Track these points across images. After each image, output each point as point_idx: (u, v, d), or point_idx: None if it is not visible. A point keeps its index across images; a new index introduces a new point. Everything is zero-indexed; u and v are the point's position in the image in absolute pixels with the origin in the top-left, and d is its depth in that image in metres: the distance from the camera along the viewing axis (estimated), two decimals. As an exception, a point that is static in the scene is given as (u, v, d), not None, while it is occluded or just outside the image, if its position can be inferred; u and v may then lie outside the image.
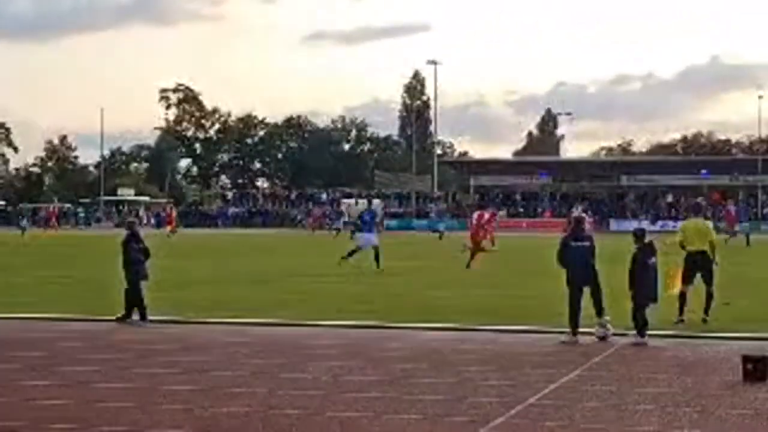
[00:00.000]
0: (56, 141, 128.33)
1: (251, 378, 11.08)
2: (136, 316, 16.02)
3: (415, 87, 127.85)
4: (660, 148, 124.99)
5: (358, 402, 9.73)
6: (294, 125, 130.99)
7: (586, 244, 14.49)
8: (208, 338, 14.51)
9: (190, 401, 9.74)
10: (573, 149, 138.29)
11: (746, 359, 10.95)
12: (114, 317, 16.14)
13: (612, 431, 8.59)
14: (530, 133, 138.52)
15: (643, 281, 13.81)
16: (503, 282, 23.99)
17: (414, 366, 11.88)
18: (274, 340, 14.43)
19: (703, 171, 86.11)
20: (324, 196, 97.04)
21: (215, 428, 8.67)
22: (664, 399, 9.95)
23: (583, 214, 15.81)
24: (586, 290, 14.24)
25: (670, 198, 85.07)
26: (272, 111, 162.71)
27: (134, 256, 16.23)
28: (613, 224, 75.47)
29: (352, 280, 24.06)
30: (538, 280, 23.57)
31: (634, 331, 13.73)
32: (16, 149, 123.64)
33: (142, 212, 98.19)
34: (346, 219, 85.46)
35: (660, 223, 73.49)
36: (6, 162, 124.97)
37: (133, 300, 16.01)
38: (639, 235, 14.37)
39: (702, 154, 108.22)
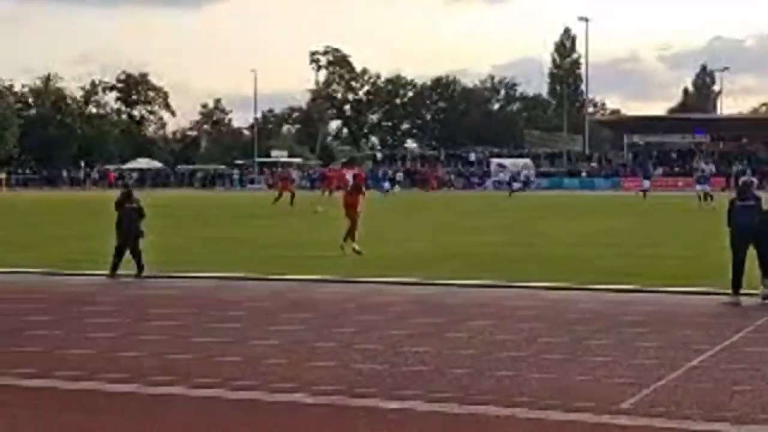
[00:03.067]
0: (210, 104, 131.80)
1: (420, 337, 11.09)
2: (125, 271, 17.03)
3: (564, 44, 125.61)
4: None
5: (516, 361, 9.69)
6: (442, 85, 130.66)
7: (752, 203, 14.03)
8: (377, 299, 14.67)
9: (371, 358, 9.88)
10: (731, 106, 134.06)
11: None
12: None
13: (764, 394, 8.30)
14: (685, 90, 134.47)
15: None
16: (662, 242, 23.49)
17: (588, 327, 11.75)
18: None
19: None
20: (473, 156, 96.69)
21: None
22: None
23: (753, 178, 15.30)
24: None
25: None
26: (420, 71, 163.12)
27: (128, 215, 17.33)
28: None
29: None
30: (697, 240, 23.01)
31: None
32: (173, 113, 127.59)
33: (294, 174, 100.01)
34: (496, 178, 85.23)
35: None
36: (164, 125, 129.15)
37: (132, 255, 17.16)
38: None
39: None
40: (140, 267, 17.07)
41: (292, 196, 42.47)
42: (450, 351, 10.17)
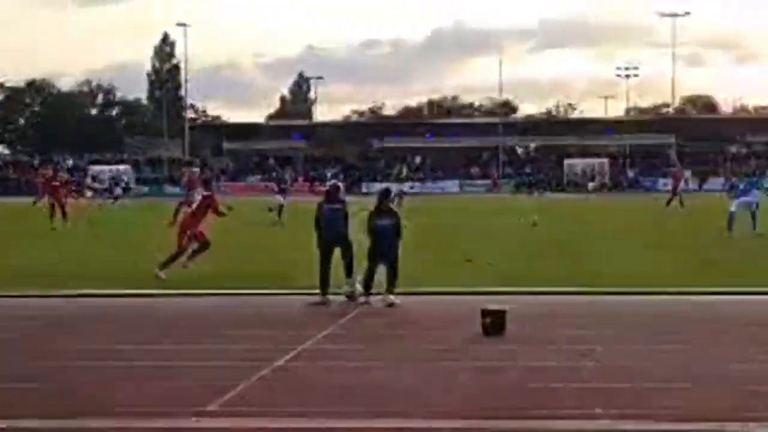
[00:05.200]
0: None
1: None
2: None
3: (164, 50, 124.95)
4: (408, 112, 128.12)
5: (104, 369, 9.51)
6: (36, 88, 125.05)
7: (338, 206, 14.70)
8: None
9: None
10: (325, 113, 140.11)
11: (485, 313, 11.46)
12: None
13: (357, 389, 8.77)
14: (282, 97, 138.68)
15: (372, 242, 14.20)
16: (255, 245, 23.96)
17: (173, 331, 11.74)
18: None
19: (449, 133, 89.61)
20: (70, 162, 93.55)
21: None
22: (409, 355, 10.27)
23: (339, 183, 15.97)
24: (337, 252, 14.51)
25: (418, 160, 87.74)
26: (13, 74, 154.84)
27: None
28: (365, 186, 76.83)
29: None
30: (289, 244, 23.71)
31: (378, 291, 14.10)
32: None
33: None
34: (97, 186, 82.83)
35: (408, 184, 75.59)
36: None
37: None
38: (380, 196, 14.75)
39: (448, 117, 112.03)
40: None
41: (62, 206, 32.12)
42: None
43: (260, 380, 9.04)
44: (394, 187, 26.36)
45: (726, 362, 9.72)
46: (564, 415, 7.78)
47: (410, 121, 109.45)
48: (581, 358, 9.90)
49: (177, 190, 74.58)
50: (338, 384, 8.91)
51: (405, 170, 64.42)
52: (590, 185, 72.09)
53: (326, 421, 7.69)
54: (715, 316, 12.74)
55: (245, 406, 8.09)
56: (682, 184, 41.83)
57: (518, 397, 8.39)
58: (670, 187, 42.55)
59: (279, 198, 36.61)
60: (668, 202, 39.77)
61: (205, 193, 18.48)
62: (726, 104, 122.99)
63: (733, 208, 25.56)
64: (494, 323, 11.32)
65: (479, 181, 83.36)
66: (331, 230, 14.51)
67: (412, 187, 61.46)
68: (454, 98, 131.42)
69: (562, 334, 11.33)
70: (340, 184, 15.81)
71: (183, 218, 18.20)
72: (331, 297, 14.14)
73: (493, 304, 11.79)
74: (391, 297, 13.88)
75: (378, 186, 44.43)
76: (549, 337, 11.15)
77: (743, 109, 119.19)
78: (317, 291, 14.14)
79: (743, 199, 25.80)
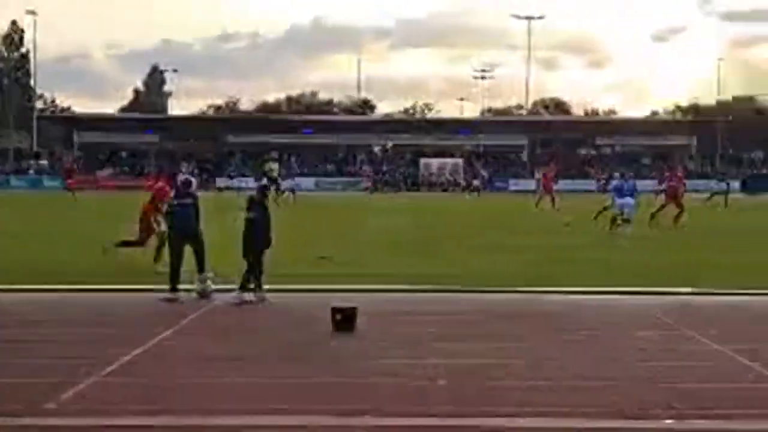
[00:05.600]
0: None
1: None
2: None
3: (12, 38, 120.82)
4: (265, 107, 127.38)
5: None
6: None
7: (189, 201, 14.51)
8: None
9: None
10: (180, 107, 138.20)
11: (335, 310, 11.49)
12: None
13: (203, 387, 8.67)
14: (136, 90, 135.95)
15: (243, 234, 14.07)
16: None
17: (16, 328, 11.35)
18: None
19: (306, 130, 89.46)
20: None
21: None
22: (256, 353, 10.21)
23: (191, 177, 15.73)
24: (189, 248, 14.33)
25: (276, 156, 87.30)
26: None
27: None
28: (220, 182, 76.13)
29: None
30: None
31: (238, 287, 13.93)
32: None
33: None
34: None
35: (265, 180, 75.17)
36: None
37: None
38: (259, 190, 14.61)
39: (306, 114, 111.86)
40: None
41: None
42: None
43: (103, 378, 8.83)
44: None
45: (561, 361, 9.98)
46: (405, 413, 7.85)
47: (267, 117, 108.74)
48: (427, 356, 10.01)
49: (23, 183, 72.31)
50: (183, 382, 8.79)
51: (277, 166, 63.40)
52: (474, 183, 72.69)
53: (169, 419, 7.56)
54: (561, 315, 13.07)
55: (86, 404, 7.89)
56: (551, 185, 42.55)
57: (365, 394, 8.41)
58: (542, 188, 43.42)
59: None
60: (552, 203, 40.19)
61: (160, 184, 18.03)
62: (578, 107, 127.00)
63: (627, 210, 26.31)
64: (344, 320, 11.37)
65: (336, 179, 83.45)
66: (182, 225, 14.33)
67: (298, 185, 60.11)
68: (313, 95, 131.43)
69: (410, 332, 11.44)
70: (192, 179, 15.60)
71: (143, 209, 17.75)
72: (183, 294, 13.95)
73: (345, 301, 11.85)
74: (245, 293, 13.77)
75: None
76: (397, 335, 11.25)
77: (594, 112, 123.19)
78: (168, 287, 13.91)
79: (627, 200, 26.53)
